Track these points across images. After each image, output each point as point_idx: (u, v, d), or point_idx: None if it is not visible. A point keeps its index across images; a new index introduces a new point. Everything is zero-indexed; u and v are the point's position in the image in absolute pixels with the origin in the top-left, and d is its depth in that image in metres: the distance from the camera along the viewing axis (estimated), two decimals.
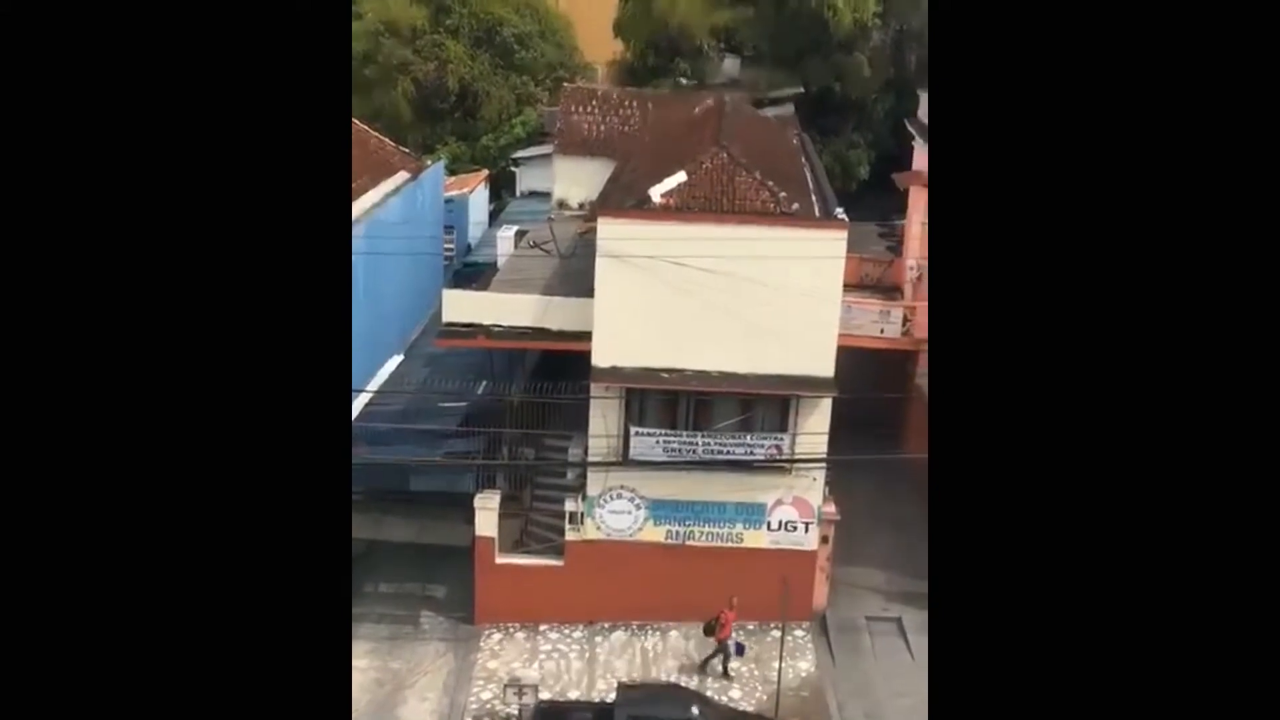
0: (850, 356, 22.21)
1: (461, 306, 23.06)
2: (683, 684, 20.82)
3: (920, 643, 22.24)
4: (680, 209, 20.93)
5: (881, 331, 26.63)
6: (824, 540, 22.59)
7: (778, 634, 21.35)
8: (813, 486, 22.09)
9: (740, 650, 21.37)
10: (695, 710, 19.02)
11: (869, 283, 29.08)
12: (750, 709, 20.47)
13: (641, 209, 21.07)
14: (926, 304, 26.66)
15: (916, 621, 22.78)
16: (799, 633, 22.23)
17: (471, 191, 39.44)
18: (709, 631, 21.44)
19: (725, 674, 21.35)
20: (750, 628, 22.35)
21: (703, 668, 21.48)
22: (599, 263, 20.79)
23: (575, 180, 29.42)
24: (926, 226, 26.91)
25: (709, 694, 20.52)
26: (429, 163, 34.20)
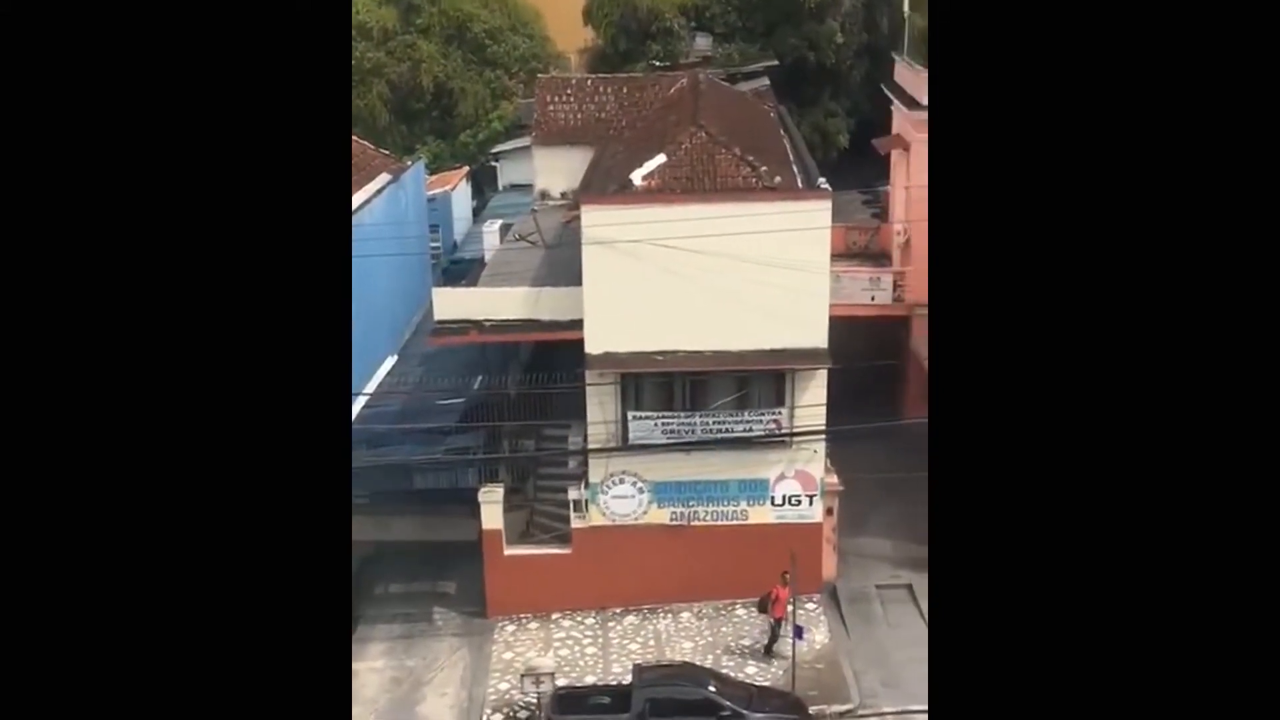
0: (843, 326, 22.21)
1: (452, 304, 23.02)
2: (697, 663, 20.81)
3: None
4: (662, 191, 20.90)
5: (873, 299, 26.79)
6: (829, 511, 22.61)
7: (789, 607, 21.27)
8: (814, 459, 22.11)
9: (800, 634, 20.79)
10: (711, 688, 19.09)
11: (857, 250, 29.08)
12: (767, 684, 20.51)
13: (624, 194, 21.04)
14: (915, 268, 26.72)
15: (927, 587, 22.81)
16: (810, 605, 22.26)
17: (453, 189, 39.33)
18: (763, 609, 21.35)
19: (769, 652, 21.06)
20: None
21: (768, 650, 21.21)
22: (585, 250, 20.76)
23: (556, 170, 29.33)
24: (910, 190, 26.93)
25: (726, 671, 20.57)
26: (409, 163, 34.09)
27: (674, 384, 21.66)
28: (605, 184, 22.78)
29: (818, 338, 21.04)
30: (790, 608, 20.68)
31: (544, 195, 29.99)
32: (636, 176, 21.13)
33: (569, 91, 30.65)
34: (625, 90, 30.38)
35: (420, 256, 32.61)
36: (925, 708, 19.72)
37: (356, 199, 27.91)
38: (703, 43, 39.18)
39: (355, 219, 27.01)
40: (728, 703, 18.78)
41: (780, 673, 20.78)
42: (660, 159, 21.43)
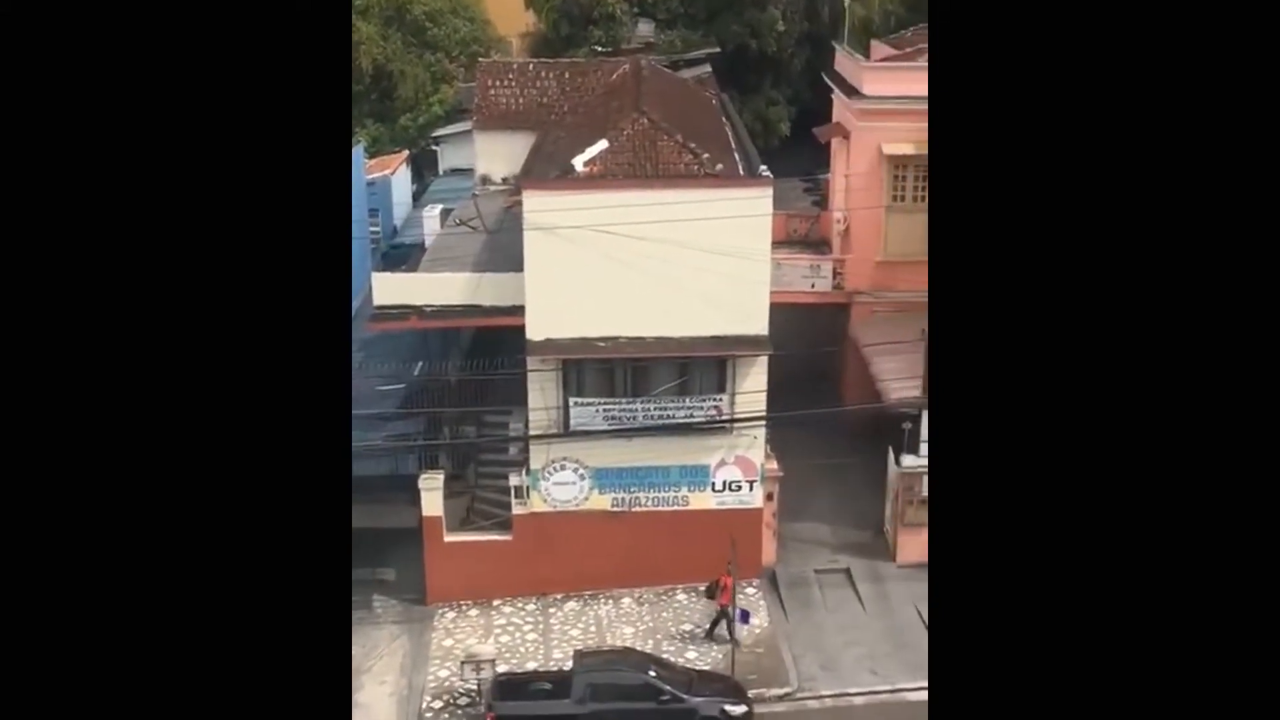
0: (783, 313, 22.35)
1: (392, 289, 22.89)
2: (638, 648, 20.92)
3: (869, 592, 22.62)
4: (604, 177, 20.89)
5: (813, 286, 26.92)
6: (769, 497, 22.82)
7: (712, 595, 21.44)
8: (754, 445, 22.26)
9: (745, 618, 21.21)
10: (652, 673, 19.21)
11: (797, 238, 29.14)
12: (707, 668, 20.66)
13: (566, 179, 21.03)
14: (855, 256, 26.95)
15: (864, 571, 23.15)
16: (750, 590, 22.45)
17: (393, 173, 38.98)
18: (710, 595, 21.47)
19: (710, 636, 21.24)
20: (701, 589, 22.53)
21: (710, 634, 21.37)
22: (527, 236, 20.72)
23: (497, 155, 29.17)
24: (850, 178, 27.14)
25: (666, 656, 20.72)
26: None
27: (615, 370, 21.70)
28: (547, 169, 22.72)
29: (758, 325, 21.16)
30: (734, 594, 20.91)
31: (485, 180, 29.81)
32: (578, 162, 21.13)
33: (510, 76, 30.49)
34: (567, 75, 30.27)
35: (359, 241, 32.32)
36: (862, 690, 20.17)
37: None
38: (645, 29, 39.11)
39: None
40: (668, 687, 18.92)
41: (720, 657, 20.94)
42: (602, 145, 21.43)
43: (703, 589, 22.36)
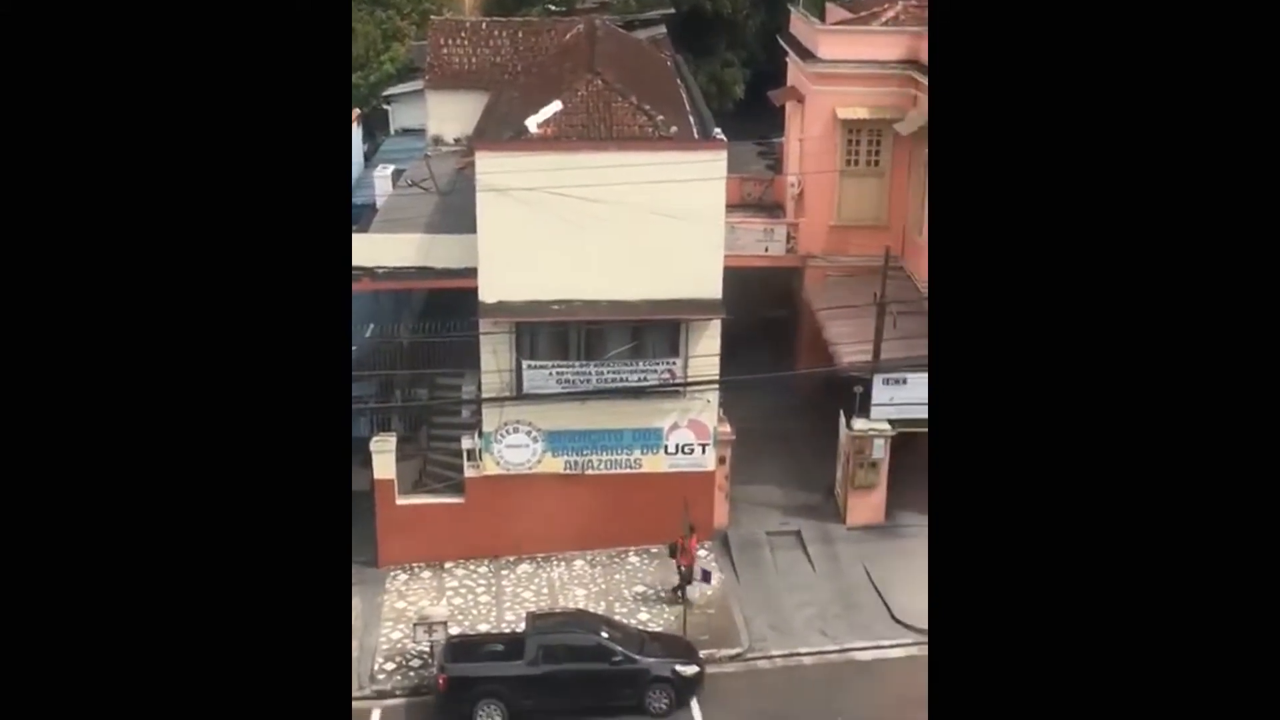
0: (737, 277, 22.40)
1: None
2: (590, 610, 21.05)
3: (819, 553, 22.89)
4: (558, 138, 20.80)
5: (766, 250, 27.07)
6: (721, 460, 22.96)
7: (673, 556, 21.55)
8: (707, 408, 22.38)
9: (706, 578, 21.34)
10: (604, 634, 19.32)
11: (751, 202, 29.33)
12: (659, 629, 20.84)
13: (519, 141, 20.90)
14: (808, 220, 27.07)
15: (815, 533, 23.40)
16: (702, 552, 22.48)
17: None
18: (673, 554, 21.60)
19: (683, 598, 21.27)
20: (654, 550, 22.74)
21: (679, 593, 21.35)
22: (479, 197, 20.59)
23: (450, 115, 28.95)
24: (804, 142, 27.20)
25: (617, 617, 20.89)
26: None
27: (569, 333, 21.68)
28: (500, 130, 22.57)
29: (712, 288, 21.21)
30: (697, 558, 21.20)
31: (437, 140, 29.60)
32: (532, 123, 21.03)
33: (463, 35, 30.22)
34: (520, 35, 30.06)
35: None
36: (812, 650, 20.44)
37: None
38: None
39: None
40: (620, 648, 19.05)
41: (673, 619, 21.12)
42: (556, 106, 21.33)
43: (655, 551, 22.52)
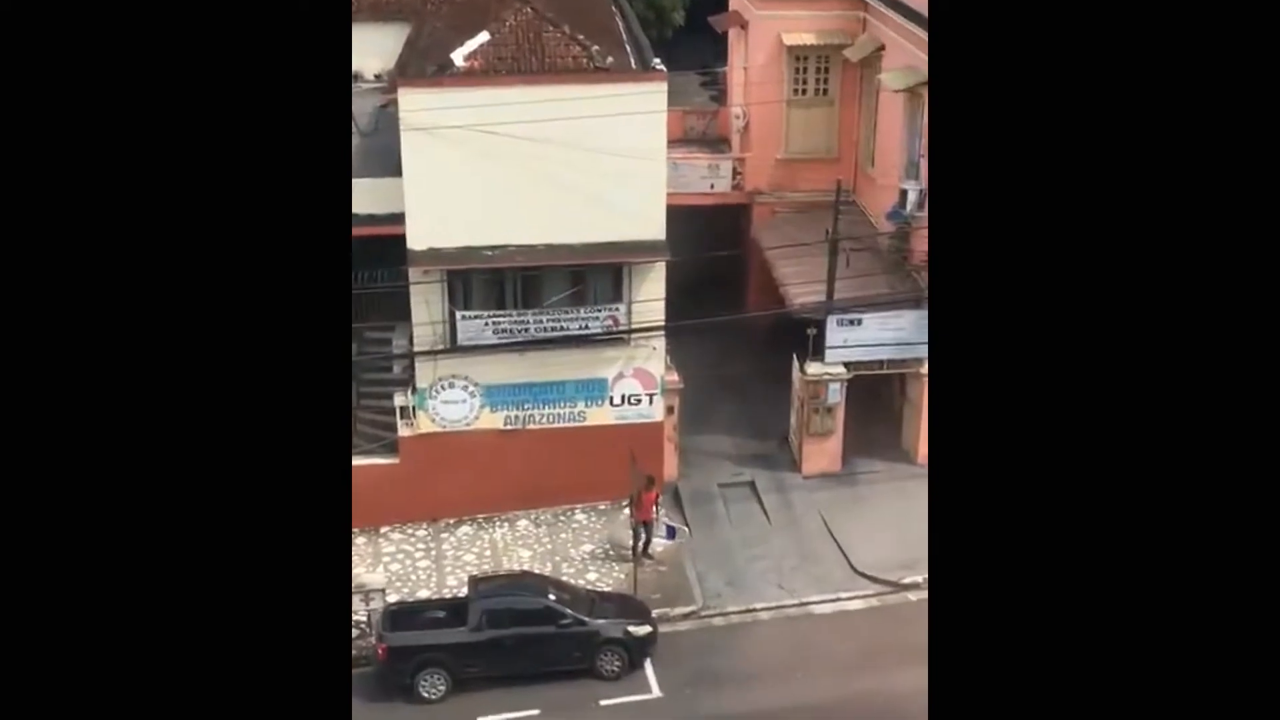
0: (681, 216, 22.03)
1: None
2: (536, 571, 20.76)
3: (774, 503, 22.64)
4: (486, 73, 20.36)
5: (712, 187, 26.94)
6: (669, 410, 22.64)
7: (628, 512, 21.21)
8: (653, 356, 22.04)
9: (671, 534, 21.06)
10: (551, 596, 19.07)
11: (694, 136, 29.19)
12: (609, 589, 20.56)
13: (444, 76, 20.45)
14: (755, 154, 26.69)
15: (768, 483, 23.21)
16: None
17: None
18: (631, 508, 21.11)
19: (645, 553, 21.00)
20: (603, 507, 22.48)
21: (643, 554, 20.99)
22: (404, 138, 20.13)
23: (369, 49, 27.87)
24: (749, 71, 26.71)
25: (565, 578, 20.54)
26: None
27: (505, 280, 21.33)
28: (423, 65, 22.05)
29: (655, 229, 20.84)
30: (656, 509, 21.01)
31: (357, 77, 28.71)
32: (458, 57, 20.53)
33: None
34: None
35: None
36: (769, 605, 20.23)
37: None
38: None
39: None
40: (568, 610, 18.83)
41: (622, 577, 20.84)
42: (483, 37, 20.83)
43: (603, 508, 22.33)
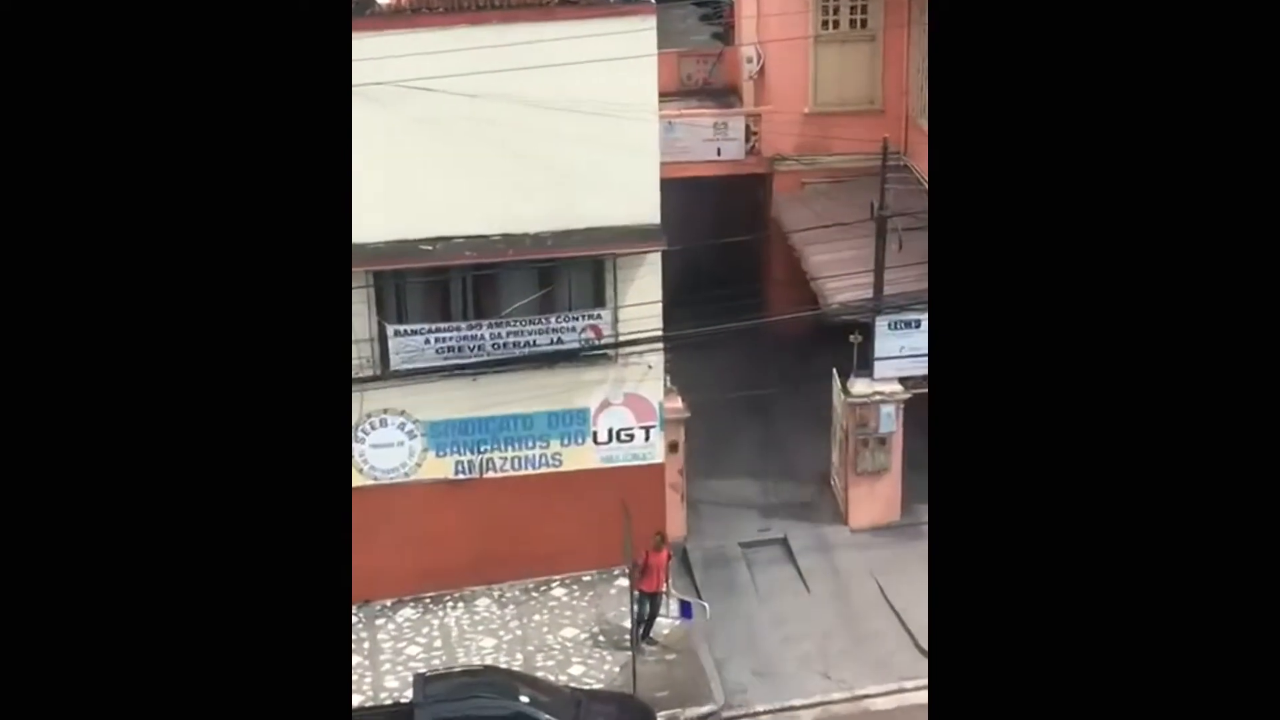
0: (680, 191, 22.23)
1: None
2: (503, 665, 20.77)
3: (814, 566, 22.68)
4: (418, 11, 20.39)
5: (719, 153, 27.07)
6: (673, 447, 22.81)
7: (624, 582, 21.41)
8: (649, 376, 22.16)
9: (687, 612, 21.42)
10: (524, 698, 19.04)
11: (694, 86, 29.26)
12: (600, 686, 20.60)
13: (367, 18, 20.24)
14: (774, 107, 26.82)
15: (805, 540, 23.28)
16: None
17: None
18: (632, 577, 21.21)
19: (647, 637, 21.21)
20: (587, 578, 22.71)
21: (644, 638, 21.18)
22: None
23: None
24: (762, 2, 26.86)
25: (540, 674, 20.55)
26: None
27: (450, 284, 21.57)
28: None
29: (647, 210, 20.99)
30: (667, 577, 21.34)
31: None
32: None
33: None
34: None
35: None
36: (811, 701, 20.25)
37: None
38: None
39: None
40: (546, 715, 18.77)
41: (617, 670, 20.90)
42: None
43: (588, 579, 22.51)
